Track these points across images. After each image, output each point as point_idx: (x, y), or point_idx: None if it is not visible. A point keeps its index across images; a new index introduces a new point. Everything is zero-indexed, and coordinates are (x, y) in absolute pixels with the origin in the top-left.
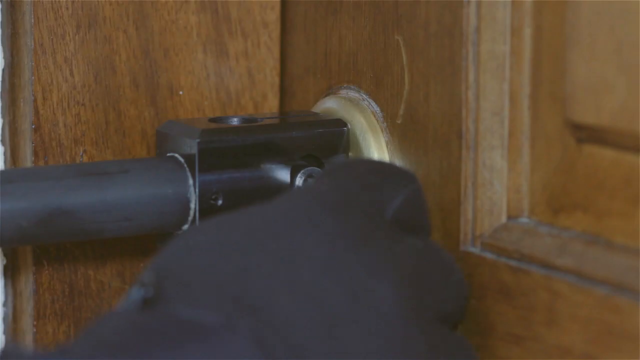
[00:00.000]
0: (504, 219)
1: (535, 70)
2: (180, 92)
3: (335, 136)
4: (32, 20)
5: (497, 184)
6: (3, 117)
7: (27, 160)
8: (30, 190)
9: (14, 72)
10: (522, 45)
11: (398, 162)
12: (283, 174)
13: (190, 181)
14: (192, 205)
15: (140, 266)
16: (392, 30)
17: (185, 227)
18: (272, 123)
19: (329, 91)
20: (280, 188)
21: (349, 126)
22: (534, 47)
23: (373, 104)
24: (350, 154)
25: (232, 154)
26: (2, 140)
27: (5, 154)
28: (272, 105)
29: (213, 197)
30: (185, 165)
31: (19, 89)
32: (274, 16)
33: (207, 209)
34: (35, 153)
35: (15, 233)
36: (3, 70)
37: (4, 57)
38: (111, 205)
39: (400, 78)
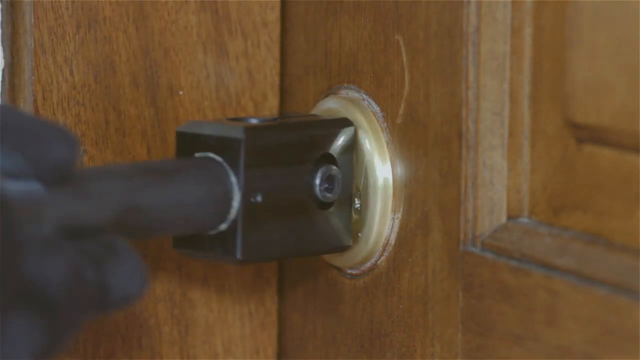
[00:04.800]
0: (504, 219)
1: (536, 70)
2: (180, 92)
3: (347, 135)
4: (32, 20)
5: (497, 184)
6: None
7: None
8: (113, 188)
9: (14, 72)
10: (523, 45)
11: (398, 162)
12: (307, 173)
13: (233, 179)
14: (234, 204)
15: None
16: (392, 30)
17: (223, 226)
18: (298, 121)
19: (329, 91)
20: (304, 187)
21: (355, 125)
22: (535, 47)
23: (373, 104)
24: (354, 155)
25: (269, 151)
26: None
27: None
28: (272, 105)
29: (254, 194)
30: (225, 164)
31: (19, 89)
32: (274, 16)
33: (248, 207)
34: None
35: (97, 230)
36: (3, 70)
37: (4, 57)
38: (174, 205)
39: (400, 78)
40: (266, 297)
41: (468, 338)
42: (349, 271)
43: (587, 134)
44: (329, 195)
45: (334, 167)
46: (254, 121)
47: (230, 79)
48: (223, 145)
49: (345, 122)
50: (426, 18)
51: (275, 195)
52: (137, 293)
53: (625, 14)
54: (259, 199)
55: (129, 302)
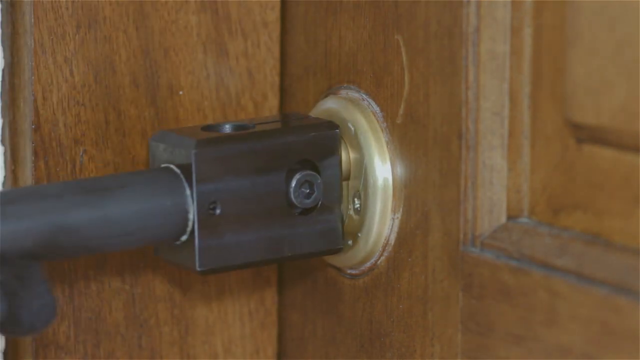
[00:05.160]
0: (504, 219)
1: (535, 70)
2: (180, 92)
3: (328, 139)
4: (32, 20)
5: (497, 184)
6: (3, 117)
7: (27, 160)
8: (32, 211)
9: (14, 72)
10: (522, 45)
11: (398, 162)
12: (279, 180)
13: (188, 192)
14: (190, 216)
15: (140, 266)
16: (392, 30)
17: (184, 237)
18: (266, 129)
19: (329, 91)
20: (276, 194)
21: (339, 129)
22: (534, 47)
23: (373, 104)
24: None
25: (228, 162)
26: (2, 140)
27: (5, 154)
28: (272, 105)
29: (211, 206)
30: (182, 176)
31: (19, 89)
32: (274, 16)
33: (205, 219)
34: (35, 153)
35: (18, 254)
36: (3, 70)
37: (4, 57)
38: (112, 222)
39: (400, 78)
40: (266, 297)
41: (468, 338)
42: (348, 271)
43: (586, 134)
44: (307, 200)
45: (311, 173)
46: (228, 129)
47: (230, 79)
48: (180, 157)
49: (327, 126)
50: (426, 18)
51: (240, 205)
52: (44, 326)
53: (625, 14)
54: (217, 210)
55: (36, 333)
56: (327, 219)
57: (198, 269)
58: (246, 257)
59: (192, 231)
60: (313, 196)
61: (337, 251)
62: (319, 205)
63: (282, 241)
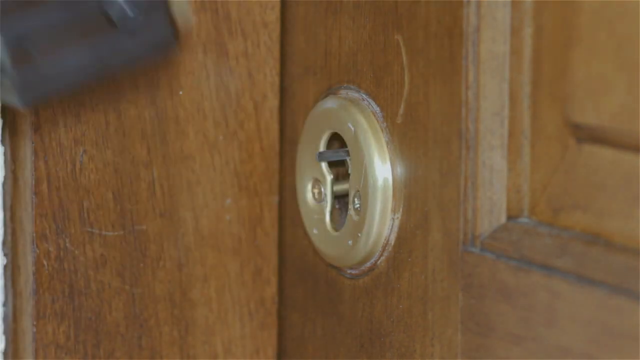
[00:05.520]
0: (503, 219)
1: (535, 70)
2: (180, 92)
3: None
4: None
5: (497, 184)
6: (3, 117)
7: (27, 160)
8: None
9: None
10: (522, 45)
11: (398, 162)
12: (93, 5)
13: None
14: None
15: (140, 266)
16: (392, 30)
17: (1, 76)
18: None
19: (329, 91)
20: (91, 12)
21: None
22: (534, 47)
23: (373, 103)
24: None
25: None
26: (2, 140)
27: (5, 154)
28: (272, 105)
29: (20, 39)
30: None
31: None
32: (274, 16)
33: (17, 53)
34: (35, 153)
35: None
36: None
37: None
38: None
39: (400, 78)
40: (266, 297)
41: (468, 338)
42: (348, 271)
43: (586, 134)
44: (120, 10)
45: None
46: None
47: (230, 79)
48: None
49: None
50: (426, 18)
51: (53, 32)
52: None
53: (625, 13)
54: (28, 42)
55: None
56: (151, 22)
57: (20, 104)
58: (70, 80)
59: (6, 68)
60: (128, 4)
61: (171, 52)
62: (140, 12)
63: (108, 56)
